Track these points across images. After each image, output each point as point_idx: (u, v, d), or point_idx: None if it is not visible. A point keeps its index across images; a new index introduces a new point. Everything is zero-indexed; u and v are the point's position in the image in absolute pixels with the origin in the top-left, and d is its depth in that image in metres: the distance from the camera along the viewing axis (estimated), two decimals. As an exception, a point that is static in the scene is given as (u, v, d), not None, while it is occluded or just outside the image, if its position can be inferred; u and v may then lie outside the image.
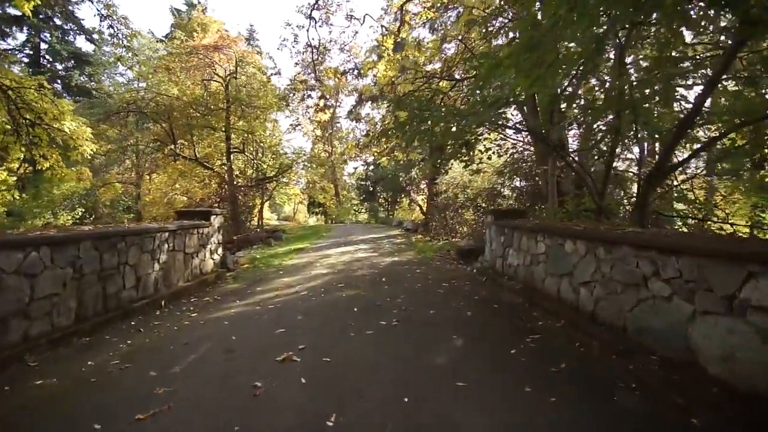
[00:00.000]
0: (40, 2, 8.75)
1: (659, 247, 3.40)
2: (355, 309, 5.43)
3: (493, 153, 9.46)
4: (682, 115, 7.50)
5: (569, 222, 6.94)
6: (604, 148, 9.18)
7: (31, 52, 28.01)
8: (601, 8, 3.31)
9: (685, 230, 7.60)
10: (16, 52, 27.48)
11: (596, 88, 9.30)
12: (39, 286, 3.89)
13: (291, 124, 22.85)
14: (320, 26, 16.77)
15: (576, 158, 8.48)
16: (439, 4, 13.17)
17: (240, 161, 20.82)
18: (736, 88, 6.31)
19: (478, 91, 8.87)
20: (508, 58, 3.26)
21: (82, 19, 28.55)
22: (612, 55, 7.20)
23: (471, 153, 9.13)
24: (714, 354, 2.85)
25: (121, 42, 10.46)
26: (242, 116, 18.43)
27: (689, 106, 7.63)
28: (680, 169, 6.92)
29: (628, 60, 7.39)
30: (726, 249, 2.83)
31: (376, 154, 22.99)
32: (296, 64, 29.34)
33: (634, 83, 5.64)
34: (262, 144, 20.13)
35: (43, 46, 28.08)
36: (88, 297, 4.57)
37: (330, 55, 29.12)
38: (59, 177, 11.00)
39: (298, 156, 22.60)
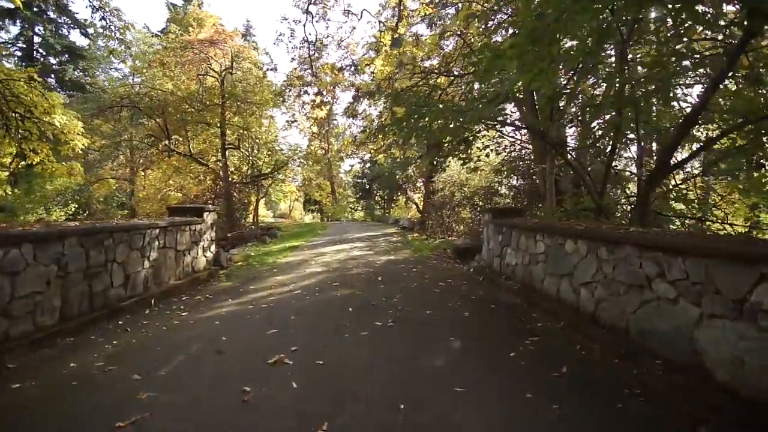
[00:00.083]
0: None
1: (664, 248, 3.29)
2: (350, 309, 5.30)
3: (492, 151, 9.35)
4: (681, 114, 7.49)
5: (568, 221, 6.84)
6: (602, 147, 9.12)
7: (24, 46, 27.62)
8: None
9: (686, 231, 7.50)
10: (9, 46, 27.12)
11: (594, 86, 9.23)
12: (21, 284, 3.73)
13: (287, 121, 22.64)
14: (317, 21, 16.57)
15: (574, 156, 8.39)
16: (437, 0, 13.04)
17: (235, 157, 20.61)
18: (735, 88, 6.23)
19: (477, 86, 8.76)
20: (511, 48, 3.14)
21: (77, 13, 28.22)
22: (611, 51, 7.12)
23: (469, 150, 9.02)
24: (722, 359, 2.75)
25: (113, 34, 10.26)
26: (238, 112, 18.22)
27: (687, 105, 7.61)
28: (678, 168, 6.81)
29: (629, 57, 7.29)
30: (736, 250, 2.72)
31: (372, 151, 22.82)
32: (293, 59, 29.18)
33: (635, 82, 5.51)
34: (257, 140, 19.92)
35: (37, 39, 27.70)
36: (74, 295, 4.41)
37: (327, 52, 28.94)
38: (49, 172, 10.79)
39: (294, 153, 22.40)
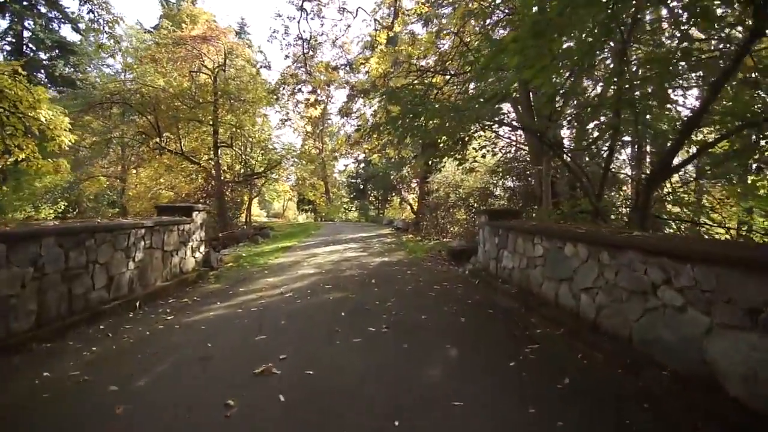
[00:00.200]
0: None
1: (671, 253, 3.14)
2: (343, 313, 5.12)
3: (488, 151, 9.20)
4: (678, 117, 7.40)
5: (566, 224, 6.71)
6: (599, 148, 9.01)
7: (14, 41, 27.13)
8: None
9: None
10: (-2, 40, 26.63)
11: (589, 88, 9.12)
12: (-8, 287, 3.52)
13: (281, 119, 22.37)
14: (312, 19, 16.38)
15: (570, 158, 8.27)
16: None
17: (228, 156, 20.34)
18: (734, 91, 6.14)
19: (472, 85, 8.62)
20: (513, 42, 2.98)
21: (67, 8, 27.71)
22: (607, 54, 7.01)
23: (464, 151, 8.87)
24: (734, 372, 2.60)
25: (101, 28, 9.99)
26: (231, 110, 17.97)
27: (682, 108, 7.53)
28: (678, 171, 6.70)
29: (627, 58, 7.18)
30: (751, 256, 2.58)
31: (367, 150, 22.64)
32: (286, 56, 28.90)
33: (636, 82, 5.39)
34: (250, 139, 19.68)
35: (27, 34, 27.21)
36: (51, 299, 4.19)
37: (322, 51, 28.72)
38: (35, 168, 10.48)
39: (288, 152, 22.15)
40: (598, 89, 8.26)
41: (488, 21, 8.48)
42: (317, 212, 36.87)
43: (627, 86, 5.63)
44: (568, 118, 8.90)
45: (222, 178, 18.71)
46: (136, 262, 5.76)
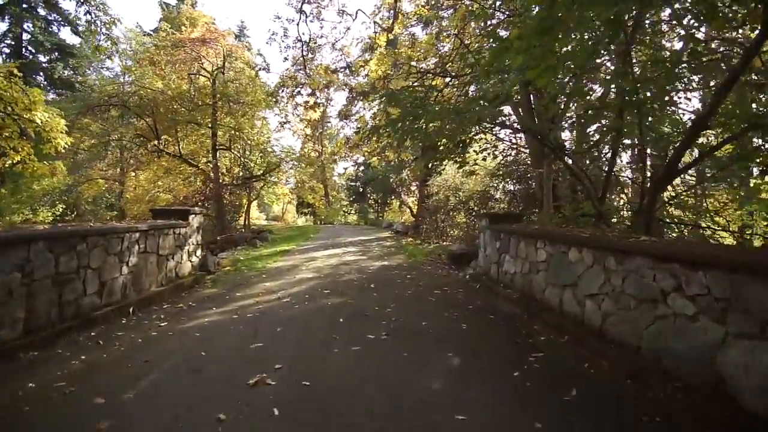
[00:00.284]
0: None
1: (682, 259, 3.03)
2: (341, 319, 4.99)
3: (489, 154, 9.10)
4: (680, 120, 7.30)
5: (568, 228, 6.59)
6: (600, 151, 8.90)
7: (13, 43, 27.07)
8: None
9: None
10: (-3, 43, 26.57)
11: (591, 90, 9.01)
12: (-24, 293, 3.39)
13: (280, 122, 22.26)
14: (311, 21, 16.26)
15: (572, 160, 8.16)
16: (433, 2, 12.82)
17: (226, 159, 20.23)
18: (738, 93, 6.03)
19: (472, 88, 8.52)
20: (518, 40, 2.87)
21: (67, 11, 27.58)
22: (606, 57, 6.90)
23: (465, 154, 8.76)
24: (750, 384, 2.48)
25: (99, 29, 9.89)
26: (229, 112, 17.86)
27: (686, 110, 7.42)
28: (684, 173, 6.59)
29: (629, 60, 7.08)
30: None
31: (366, 153, 22.54)
32: (285, 59, 28.82)
33: (639, 84, 5.28)
34: (249, 141, 19.55)
35: (26, 37, 27.15)
36: (41, 305, 4.06)
37: (321, 53, 28.66)
38: (30, 171, 10.36)
39: (287, 154, 22.04)
40: (599, 92, 8.16)
41: (489, 22, 8.37)
42: (316, 215, 36.76)
43: (629, 88, 5.52)
44: (570, 121, 8.81)
45: (220, 181, 18.59)
46: (130, 266, 5.62)
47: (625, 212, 9.08)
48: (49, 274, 4.17)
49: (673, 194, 7.73)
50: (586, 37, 3.69)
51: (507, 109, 9.79)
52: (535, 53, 2.94)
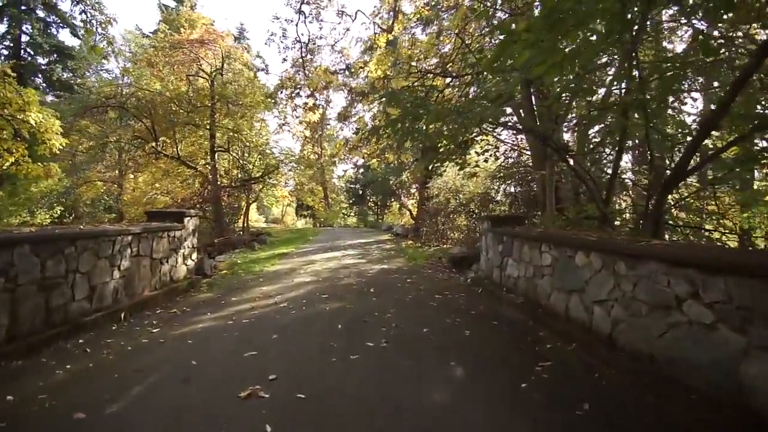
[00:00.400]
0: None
1: (699, 264, 2.86)
2: (339, 326, 4.82)
3: (490, 155, 8.94)
4: (682, 121, 7.16)
5: (572, 231, 6.43)
6: (601, 152, 8.76)
7: (11, 45, 26.98)
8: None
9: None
10: (-5, 44, 26.50)
11: (595, 89, 8.86)
12: (-45, 300, 3.23)
13: (279, 124, 22.14)
14: (310, 22, 16.16)
15: (576, 162, 8.02)
16: (433, 3, 12.69)
17: (225, 160, 20.08)
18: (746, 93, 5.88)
19: (474, 89, 8.37)
20: (525, 32, 2.71)
21: (66, 12, 27.47)
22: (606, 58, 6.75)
23: (466, 155, 8.62)
24: (777, 399, 2.32)
25: (95, 29, 9.74)
26: (228, 114, 17.71)
27: (689, 113, 7.29)
28: (692, 174, 6.42)
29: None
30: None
31: (366, 155, 22.38)
32: (284, 60, 28.69)
33: (650, 81, 5.12)
34: (248, 143, 19.40)
35: (24, 38, 27.06)
36: (26, 311, 3.89)
37: (321, 55, 28.54)
38: (24, 172, 10.21)
39: (286, 156, 21.87)
40: (601, 93, 8.02)
41: (491, 22, 8.22)
42: (316, 218, 36.61)
43: (636, 87, 5.38)
44: (574, 121, 8.66)
45: (219, 183, 18.42)
46: (122, 270, 5.46)
47: (628, 215, 8.93)
48: (35, 278, 4.01)
49: (677, 197, 7.59)
50: (593, 37, 3.51)
51: (508, 110, 9.65)
52: (543, 47, 2.78)
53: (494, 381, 3.23)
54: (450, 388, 3.13)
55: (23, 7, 25.44)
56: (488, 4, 7.64)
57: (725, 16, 4.92)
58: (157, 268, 6.46)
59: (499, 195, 14.53)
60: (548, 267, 5.15)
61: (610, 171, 9.02)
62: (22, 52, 27.02)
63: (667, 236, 7.85)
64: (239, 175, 20.24)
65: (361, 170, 34.39)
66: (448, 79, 11.13)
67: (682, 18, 6.34)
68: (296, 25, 23.74)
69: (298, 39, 15.80)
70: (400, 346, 4.09)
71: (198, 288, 7.31)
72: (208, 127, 17.29)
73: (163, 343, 4.23)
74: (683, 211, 8.33)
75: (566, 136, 10.14)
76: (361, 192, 35.42)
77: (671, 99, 6.32)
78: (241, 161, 19.97)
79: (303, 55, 15.59)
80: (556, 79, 4.38)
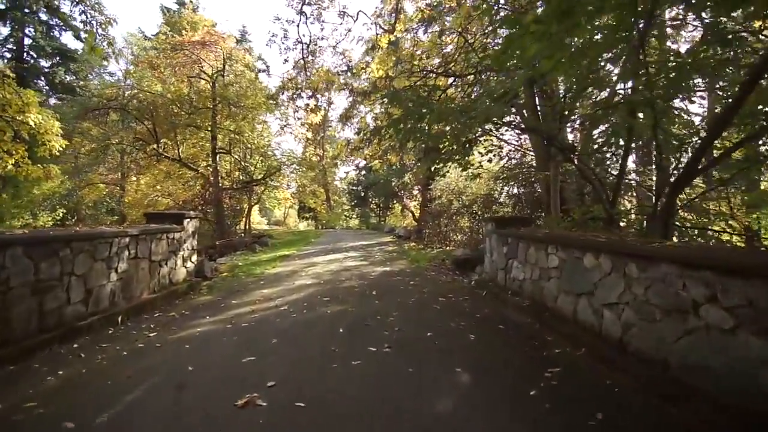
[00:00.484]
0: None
1: (717, 267, 2.73)
2: (341, 330, 4.69)
3: (494, 155, 8.81)
4: (685, 122, 7.01)
5: (577, 232, 6.30)
6: (605, 153, 8.60)
7: (14, 48, 27.07)
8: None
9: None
10: (-2, 47, 26.59)
11: (599, 90, 8.72)
12: (-57, 303, 3.12)
13: (280, 126, 22.04)
14: (312, 23, 16.07)
15: (581, 162, 7.87)
16: (435, 3, 12.59)
17: (226, 162, 20.01)
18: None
19: (477, 89, 8.25)
20: (535, 24, 2.59)
21: (67, 13, 27.51)
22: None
23: (469, 156, 8.48)
24: (805, 410, 2.18)
25: (95, 30, 9.67)
26: (229, 116, 17.64)
27: (693, 113, 7.13)
28: (703, 173, 6.29)
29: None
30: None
31: (368, 157, 22.27)
32: (285, 61, 28.61)
33: (660, 78, 4.99)
34: (250, 145, 19.32)
35: (27, 41, 27.14)
36: (17, 315, 3.78)
37: (322, 56, 28.51)
38: (24, 174, 10.14)
39: (288, 158, 21.78)
40: (605, 94, 7.88)
41: (495, 19, 8.09)
42: (318, 220, 36.51)
43: (644, 85, 5.25)
44: (578, 121, 8.53)
45: (220, 185, 18.34)
46: (119, 273, 5.35)
47: (633, 216, 8.79)
48: (28, 281, 3.90)
49: (683, 197, 7.44)
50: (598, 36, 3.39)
51: (512, 110, 9.52)
52: (552, 39, 2.66)
53: (502, 388, 3.10)
54: (457, 395, 3.00)
55: (26, 10, 25.51)
56: (491, 1, 7.52)
57: (735, 13, 4.82)
58: (156, 270, 6.35)
59: (503, 196, 14.40)
60: (555, 269, 5.02)
61: (614, 171, 8.90)
62: (24, 54, 27.13)
63: (675, 238, 7.72)
64: (241, 177, 20.15)
65: (363, 172, 34.28)
66: (451, 79, 11.02)
67: (689, 14, 6.21)
68: (297, 26, 23.60)
69: (299, 40, 15.72)
70: (404, 351, 3.96)
71: (198, 291, 7.20)
72: (209, 128, 17.23)
73: (159, 348, 4.11)
74: (689, 212, 8.17)
75: (570, 137, 10.02)
76: (363, 194, 35.29)
77: (679, 97, 6.18)
78: (242, 163, 19.89)
79: (304, 56, 15.50)
80: (561, 79, 4.26)
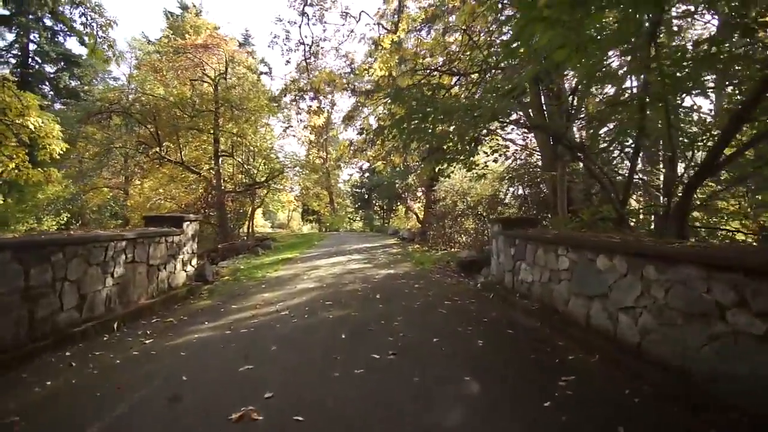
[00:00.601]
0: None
1: (746, 268, 2.53)
2: (343, 335, 4.52)
3: (499, 155, 8.62)
4: (692, 119, 6.80)
5: (589, 233, 6.09)
6: (613, 151, 8.40)
7: (19, 53, 27.25)
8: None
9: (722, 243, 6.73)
10: (3, 53, 26.78)
11: (607, 86, 8.51)
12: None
13: (283, 128, 21.96)
14: (314, 24, 16.01)
15: (590, 161, 7.68)
16: (438, 2, 12.45)
17: (229, 165, 19.91)
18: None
19: (481, 89, 8.06)
20: (547, 9, 2.41)
21: (74, 21, 27.66)
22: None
23: (474, 155, 8.30)
24: None
25: (94, 32, 9.59)
26: (232, 118, 17.54)
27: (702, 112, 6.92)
28: (719, 171, 6.07)
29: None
30: None
31: (371, 158, 22.12)
32: (287, 62, 28.53)
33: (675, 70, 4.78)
34: (252, 148, 19.22)
35: (32, 47, 27.31)
36: (6, 323, 3.64)
37: (325, 60, 28.43)
38: (24, 178, 10.05)
39: (291, 161, 21.67)
40: (611, 91, 7.69)
41: (500, 16, 7.92)
42: (322, 222, 36.41)
43: (655, 79, 5.05)
44: (586, 119, 8.33)
45: (223, 188, 18.24)
46: (116, 278, 5.20)
47: (642, 216, 8.57)
48: (18, 287, 3.75)
49: (697, 196, 7.22)
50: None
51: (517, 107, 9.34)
52: (567, 26, 2.48)
53: (515, 399, 2.91)
54: (466, 407, 2.81)
55: (31, 16, 25.66)
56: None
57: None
58: (155, 274, 6.20)
59: (508, 197, 14.18)
60: (566, 271, 4.82)
61: (622, 171, 8.69)
62: (29, 60, 27.31)
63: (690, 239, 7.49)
64: (244, 180, 20.04)
65: (367, 174, 34.13)
66: (455, 78, 10.84)
67: (700, 7, 6.00)
68: (299, 27, 23.53)
69: (301, 41, 15.61)
70: (409, 357, 3.78)
71: (198, 295, 7.05)
72: (212, 131, 17.14)
73: (154, 356, 3.95)
74: (699, 211, 7.95)
75: (576, 136, 9.82)
76: (366, 196, 35.13)
77: (693, 93, 5.98)
78: (245, 166, 19.78)
79: (306, 57, 15.39)
80: (567, 76, 4.08)
